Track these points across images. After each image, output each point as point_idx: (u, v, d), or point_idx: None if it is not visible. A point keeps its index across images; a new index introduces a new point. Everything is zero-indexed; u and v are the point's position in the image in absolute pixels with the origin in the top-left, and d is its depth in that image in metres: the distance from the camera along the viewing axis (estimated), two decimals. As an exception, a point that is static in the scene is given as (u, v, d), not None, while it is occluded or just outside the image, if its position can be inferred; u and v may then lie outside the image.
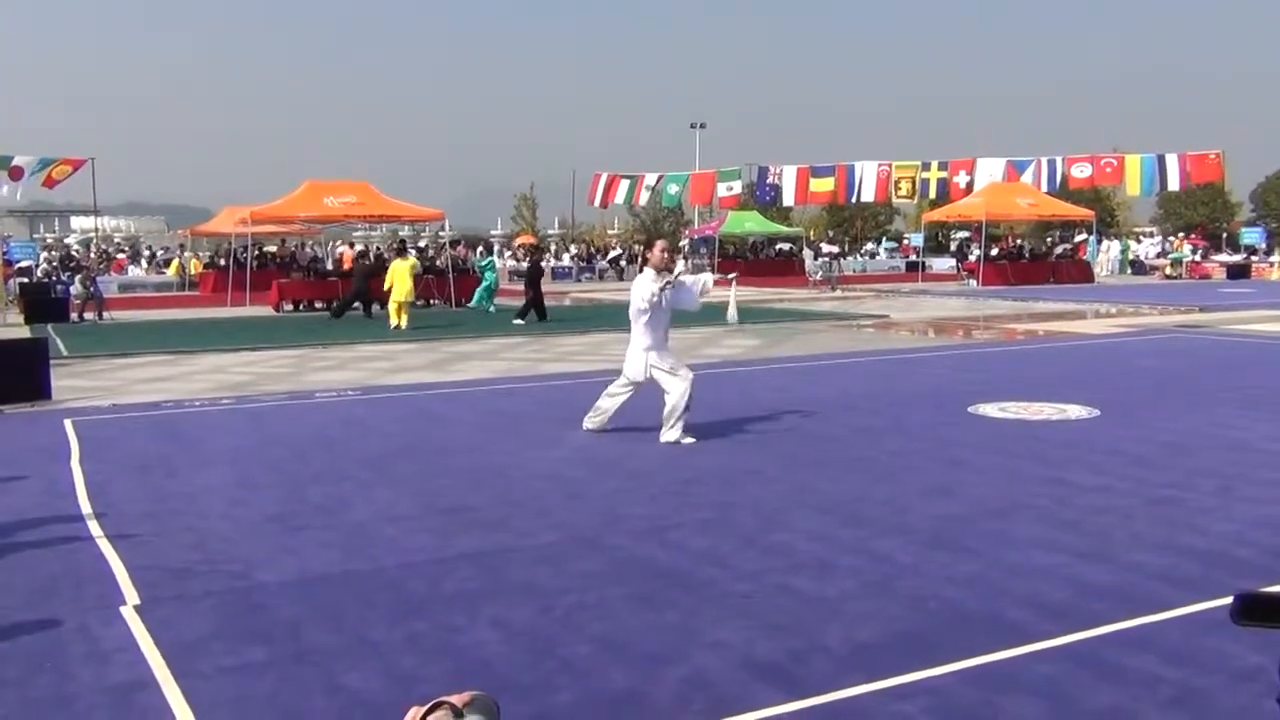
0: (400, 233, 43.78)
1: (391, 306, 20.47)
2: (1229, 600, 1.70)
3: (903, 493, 7.00)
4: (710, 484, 7.37)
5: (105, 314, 23.95)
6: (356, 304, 23.40)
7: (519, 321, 21.02)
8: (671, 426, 8.85)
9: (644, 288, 9.02)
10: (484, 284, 25.21)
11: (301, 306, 26.53)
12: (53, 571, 5.53)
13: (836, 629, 4.55)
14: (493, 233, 74.48)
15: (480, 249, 34.19)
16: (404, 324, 20.07)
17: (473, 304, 25.19)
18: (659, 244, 9.83)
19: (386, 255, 26.73)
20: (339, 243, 41.79)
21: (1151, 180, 39.85)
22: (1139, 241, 52.48)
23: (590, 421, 9.26)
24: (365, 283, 23.16)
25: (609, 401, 9.25)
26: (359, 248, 36.20)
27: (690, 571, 5.41)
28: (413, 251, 28.53)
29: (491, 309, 24.49)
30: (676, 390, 8.89)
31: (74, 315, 23.51)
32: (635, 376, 9.07)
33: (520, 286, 25.00)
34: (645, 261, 9.31)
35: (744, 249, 47.18)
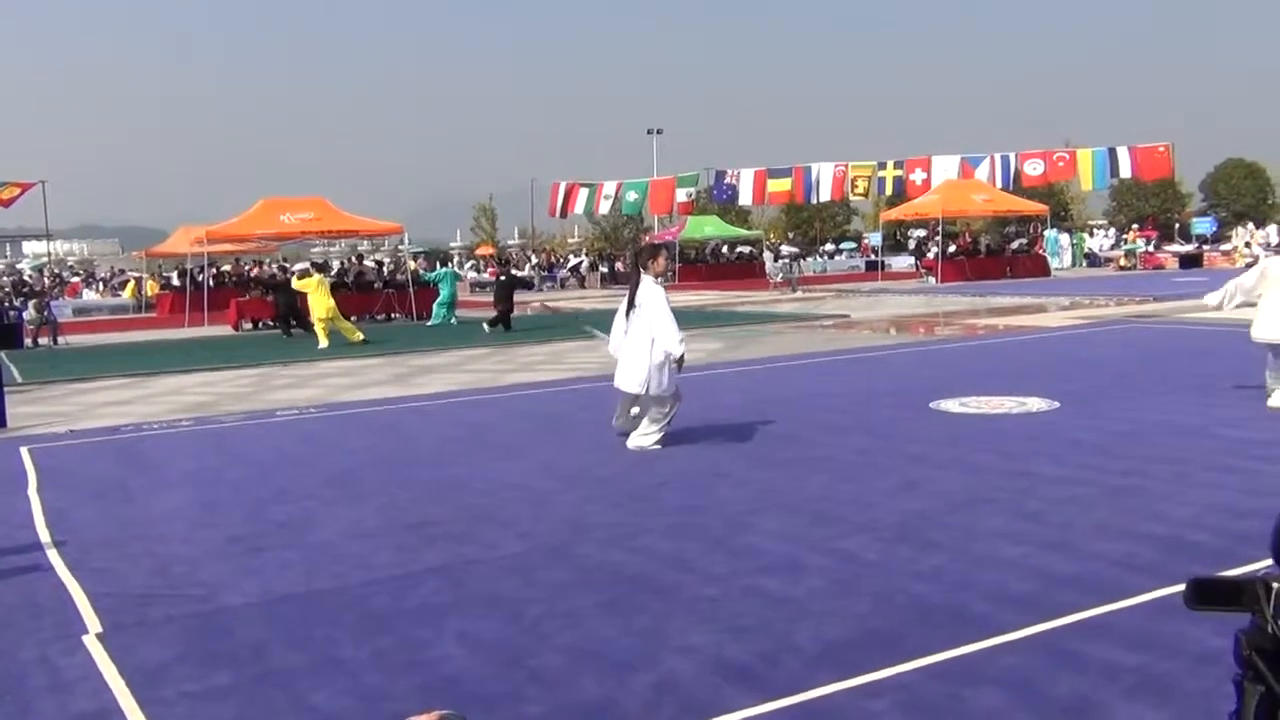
0: (359, 247, 43.54)
1: (318, 327, 19.97)
2: (1185, 585, 1.72)
3: (868, 490, 7.05)
4: (677, 488, 7.38)
5: (60, 339, 23.62)
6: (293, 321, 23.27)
7: (488, 329, 20.89)
8: (647, 434, 8.81)
9: (660, 294, 8.82)
10: (440, 298, 24.95)
11: (260, 325, 26.28)
12: (11, 602, 5.43)
13: (805, 628, 4.57)
14: (452, 244, 74.32)
15: (437, 261, 33.94)
16: (325, 342, 19.42)
17: (432, 322, 24.48)
18: (664, 254, 9.63)
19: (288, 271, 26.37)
20: (261, 265, 40.22)
21: (1104, 173, 40.48)
22: (1092, 235, 53.20)
23: (649, 439, 8.85)
24: (287, 299, 23.11)
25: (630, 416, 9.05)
26: (263, 269, 35.46)
27: (659, 576, 5.41)
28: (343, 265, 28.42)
29: (454, 321, 24.31)
30: (669, 406, 8.82)
31: (28, 341, 23.16)
32: (632, 388, 8.79)
33: (488, 299, 24.83)
34: (643, 269, 9.08)
35: (704, 252, 47.37)
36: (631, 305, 8.94)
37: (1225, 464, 7.35)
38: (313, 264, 24.08)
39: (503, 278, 23.65)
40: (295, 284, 21.65)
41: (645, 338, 8.74)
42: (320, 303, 19.93)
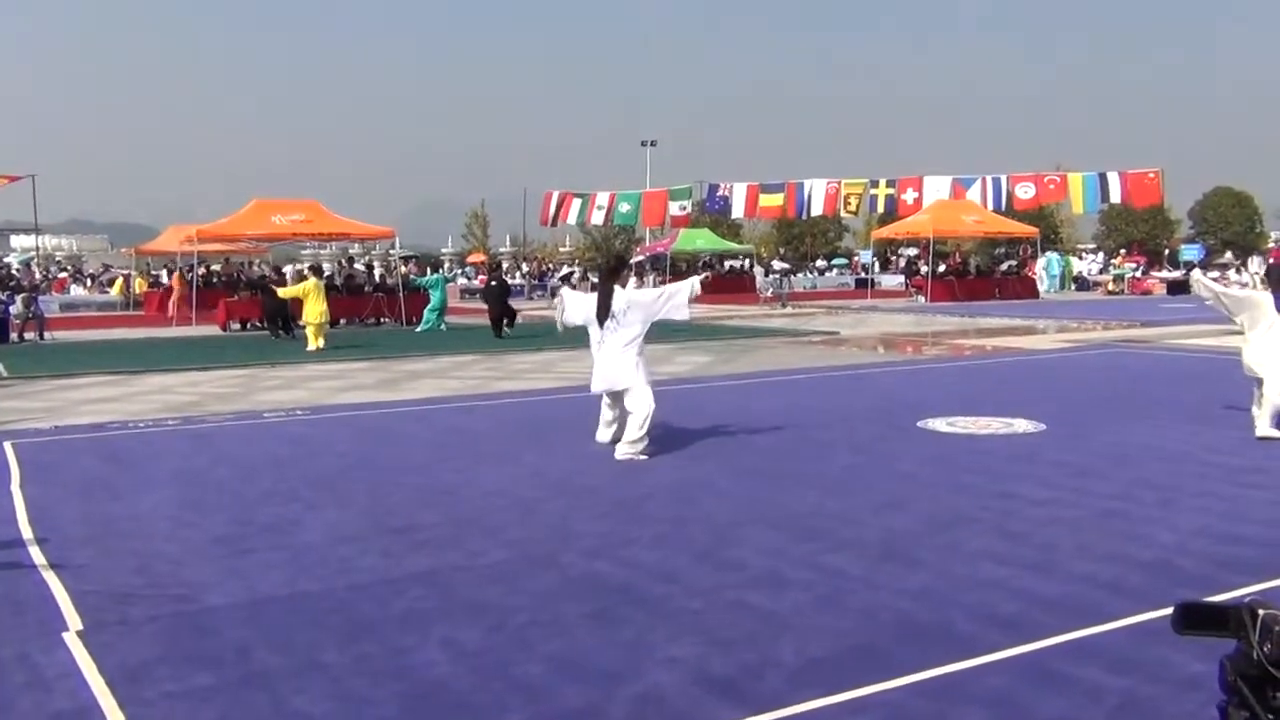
0: (350, 250, 43.51)
1: (310, 330, 19.93)
2: (1171, 610, 1.74)
3: (853, 507, 7.05)
4: (663, 500, 7.37)
5: (46, 334, 23.51)
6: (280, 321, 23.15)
7: (509, 330, 21.81)
8: (634, 443, 8.83)
9: (642, 290, 9.26)
10: (431, 304, 24.88)
11: (249, 326, 26.18)
12: (-9, 598, 5.40)
13: (789, 643, 4.57)
14: (444, 250, 74.24)
15: (429, 267, 33.87)
16: (319, 345, 19.44)
17: (421, 327, 24.30)
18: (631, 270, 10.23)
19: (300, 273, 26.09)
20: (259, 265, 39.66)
21: (1094, 197, 40.74)
22: (1081, 258, 53.51)
23: (637, 448, 8.89)
24: (273, 301, 22.97)
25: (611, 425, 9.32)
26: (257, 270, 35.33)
27: (643, 588, 5.40)
28: (330, 269, 28.41)
29: (443, 327, 24.26)
30: (647, 404, 8.87)
31: (14, 335, 23.04)
32: (616, 386, 9.03)
33: (477, 305, 25.02)
34: (615, 277, 9.47)
35: (695, 266, 47.46)
36: (609, 315, 9.06)
37: (1212, 490, 7.38)
38: (310, 267, 23.90)
39: (493, 283, 23.62)
40: (288, 291, 21.34)
41: (626, 341, 8.97)
42: (314, 307, 19.86)
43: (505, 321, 22.27)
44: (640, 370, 8.97)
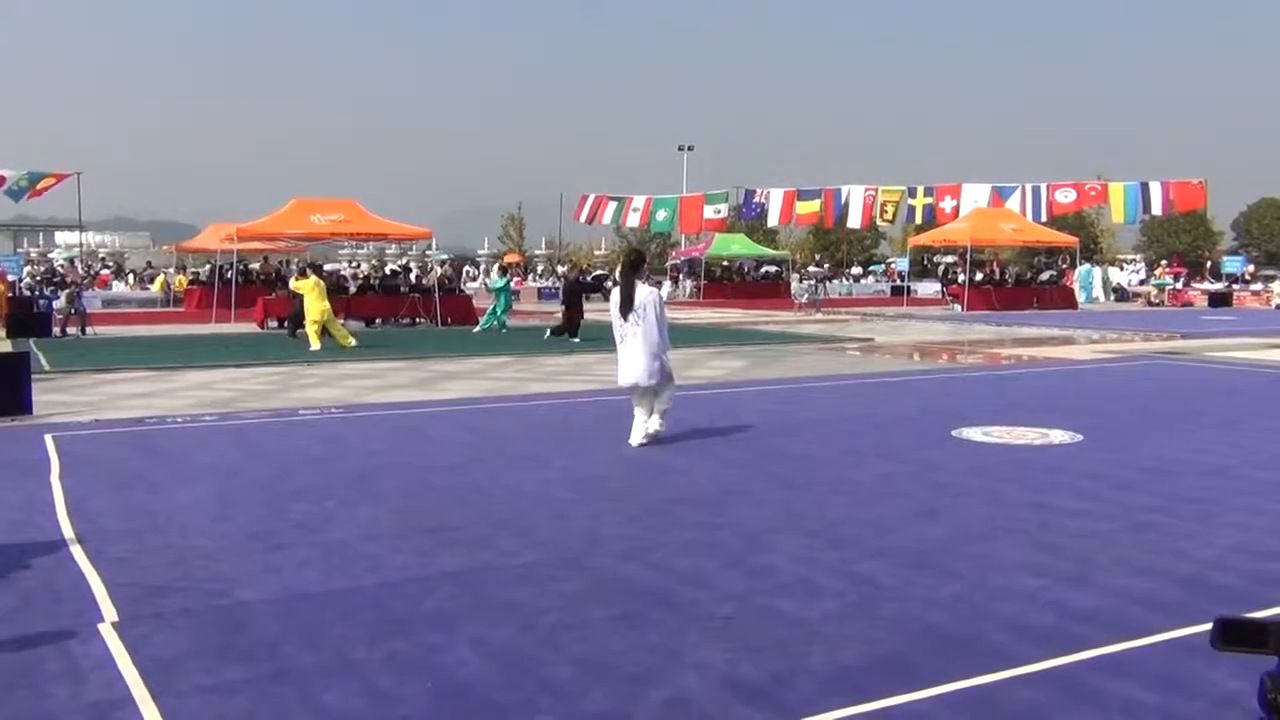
0: (387, 250, 43.82)
1: (310, 329, 19.81)
2: (1210, 625, 1.71)
3: (886, 515, 7.01)
4: (694, 505, 7.36)
5: (88, 329, 23.85)
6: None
7: (575, 340, 21.22)
8: (660, 422, 9.44)
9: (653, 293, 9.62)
10: (503, 306, 25.04)
11: (284, 324, 26.38)
12: (29, 588, 5.47)
13: (819, 651, 4.54)
14: (479, 252, 74.63)
15: (495, 270, 33.89)
16: (318, 345, 19.22)
17: (504, 328, 24.58)
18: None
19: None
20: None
21: (1135, 207, 40.29)
22: (1122, 269, 52.96)
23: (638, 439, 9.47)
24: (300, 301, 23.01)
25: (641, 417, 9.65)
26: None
27: (673, 592, 5.39)
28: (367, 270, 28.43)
29: (504, 330, 24.42)
30: (671, 387, 9.67)
31: (56, 330, 23.40)
32: (646, 381, 9.39)
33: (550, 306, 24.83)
34: (636, 271, 9.69)
35: (730, 271, 47.39)
36: (631, 308, 9.37)
37: (1252, 505, 7.27)
38: (309, 266, 23.83)
39: (573, 279, 23.27)
40: (292, 284, 21.47)
41: (650, 337, 9.33)
42: (315, 305, 19.85)
43: (566, 329, 21.85)
44: (662, 370, 9.44)
